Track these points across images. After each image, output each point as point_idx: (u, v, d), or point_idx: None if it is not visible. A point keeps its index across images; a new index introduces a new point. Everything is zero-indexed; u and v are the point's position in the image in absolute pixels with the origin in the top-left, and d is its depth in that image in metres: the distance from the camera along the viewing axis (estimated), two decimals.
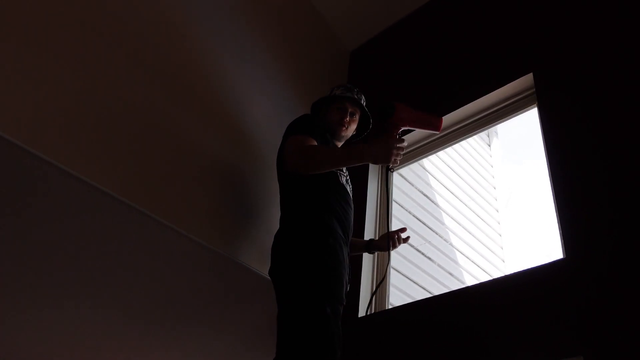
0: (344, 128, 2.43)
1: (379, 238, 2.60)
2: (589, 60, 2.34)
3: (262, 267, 2.42)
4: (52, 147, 1.80)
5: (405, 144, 2.04)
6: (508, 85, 2.66)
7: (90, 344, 1.93)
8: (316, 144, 2.17)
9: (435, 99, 2.97)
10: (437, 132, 2.20)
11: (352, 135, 2.53)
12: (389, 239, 2.40)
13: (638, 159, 1.97)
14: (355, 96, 2.46)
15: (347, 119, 2.43)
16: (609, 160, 2.06)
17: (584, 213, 2.03)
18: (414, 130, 2.71)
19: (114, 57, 2.13)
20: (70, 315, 1.98)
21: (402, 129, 2.14)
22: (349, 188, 2.28)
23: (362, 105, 2.48)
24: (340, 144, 2.48)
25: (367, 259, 2.73)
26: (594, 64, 2.31)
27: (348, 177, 2.33)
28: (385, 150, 2.00)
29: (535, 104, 2.56)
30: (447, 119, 2.88)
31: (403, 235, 2.49)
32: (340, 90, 2.49)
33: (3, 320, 2.04)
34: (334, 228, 2.05)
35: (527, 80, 2.60)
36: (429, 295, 2.97)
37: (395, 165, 2.13)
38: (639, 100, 2.08)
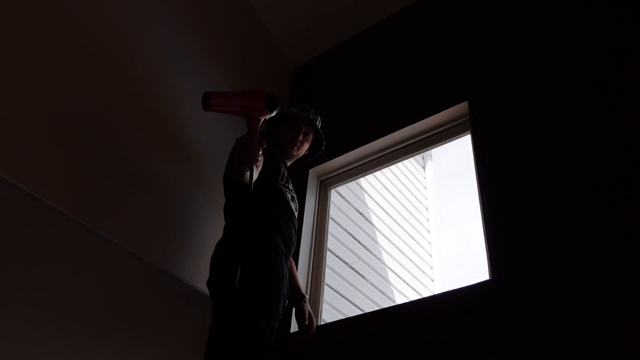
0: (296, 147, 2.43)
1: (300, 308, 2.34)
2: (522, 92, 2.46)
3: (195, 278, 2.41)
4: None
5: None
6: (444, 111, 2.76)
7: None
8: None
9: (373, 121, 3.05)
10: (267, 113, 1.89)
11: (303, 155, 2.54)
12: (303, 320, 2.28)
13: (563, 189, 2.10)
14: (311, 116, 2.47)
15: (300, 138, 2.43)
16: (536, 189, 2.17)
17: (511, 238, 2.13)
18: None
19: (57, 66, 2.08)
20: None
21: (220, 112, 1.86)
22: (293, 205, 2.28)
23: (316, 126, 2.49)
24: (290, 162, 2.48)
25: (302, 273, 2.75)
26: (527, 95, 2.44)
27: (294, 194, 2.34)
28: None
29: (469, 131, 2.67)
30: (385, 140, 2.96)
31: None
32: (296, 109, 2.49)
33: None
34: (276, 242, 2.05)
35: (462, 108, 2.71)
36: (360, 313, 3.01)
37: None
38: (566, 132, 2.21)
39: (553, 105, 2.32)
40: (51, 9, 2.12)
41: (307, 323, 2.28)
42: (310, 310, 2.35)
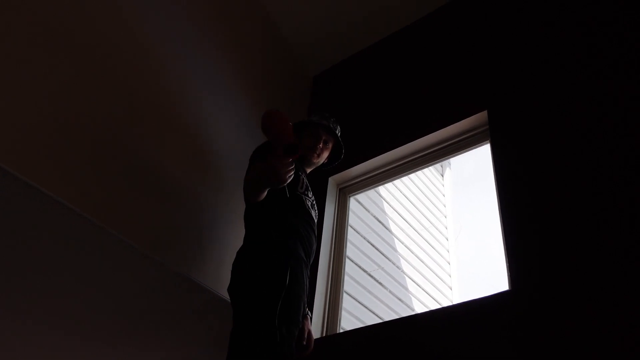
0: (315, 155, 2.44)
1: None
2: (541, 101, 2.46)
3: (217, 284, 2.43)
4: (11, 158, 1.79)
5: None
6: (463, 120, 2.77)
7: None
8: None
9: (392, 130, 3.06)
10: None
11: (322, 163, 2.56)
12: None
13: (583, 199, 2.09)
14: (331, 125, 2.49)
15: (320, 145, 2.45)
16: (556, 198, 2.17)
17: (531, 247, 2.13)
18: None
19: (79, 74, 2.13)
20: (18, 333, 1.95)
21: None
22: (313, 213, 2.30)
23: (336, 134, 2.51)
24: (309, 170, 2.50)
25: (321, 281, 2.77)
26: (546, 104, 2.43)
27: (314, 202, 2.35)
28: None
29: (488, 140, 2.67)
30: (404, 149, 2.98)
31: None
32: (317, 117, 2.51)
33: None
34: (296, 249, 2.07)
35: (481, 117, 2.71)
36: (380, 321, 3.02)
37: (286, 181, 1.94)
38: (587, 142, 2.21)
39: (573, 114, 2.32)
40: (73, 19, 2.17)
41: (305, 343, 2.23)
42: (310, 329, 2.31)
